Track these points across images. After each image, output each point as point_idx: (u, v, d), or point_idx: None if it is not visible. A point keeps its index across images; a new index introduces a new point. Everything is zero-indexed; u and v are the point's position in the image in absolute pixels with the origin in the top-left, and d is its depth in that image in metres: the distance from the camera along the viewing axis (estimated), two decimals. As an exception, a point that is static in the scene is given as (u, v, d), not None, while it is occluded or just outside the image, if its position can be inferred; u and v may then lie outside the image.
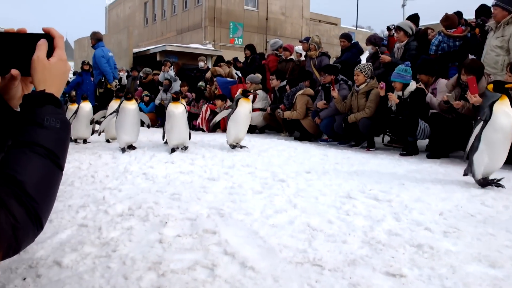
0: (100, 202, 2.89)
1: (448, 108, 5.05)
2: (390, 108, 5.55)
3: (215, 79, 9.26)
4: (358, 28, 31.48)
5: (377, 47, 6.95)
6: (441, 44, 6.10)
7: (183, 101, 5.69)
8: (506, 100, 3.38)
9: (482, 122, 3.42)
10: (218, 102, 8.22)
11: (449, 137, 5.06)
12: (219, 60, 10.63)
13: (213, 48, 20.68)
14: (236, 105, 5.36)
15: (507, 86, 3.57)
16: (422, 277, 1.83)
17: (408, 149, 5.43)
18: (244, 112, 5.34)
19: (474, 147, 3.45)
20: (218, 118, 6.01)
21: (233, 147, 5.38)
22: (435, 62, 5.91)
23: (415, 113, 5.25)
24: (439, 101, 5.23)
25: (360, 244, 2.20)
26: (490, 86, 3.48)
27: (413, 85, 5.46)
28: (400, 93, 5.47)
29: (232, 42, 22.51)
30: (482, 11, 6.52)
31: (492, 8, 5.44)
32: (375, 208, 2.82)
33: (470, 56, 5.77)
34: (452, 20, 6.09)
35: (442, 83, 5.51)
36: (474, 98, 4.52)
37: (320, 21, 26.56)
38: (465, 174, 3.65)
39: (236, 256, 2.03)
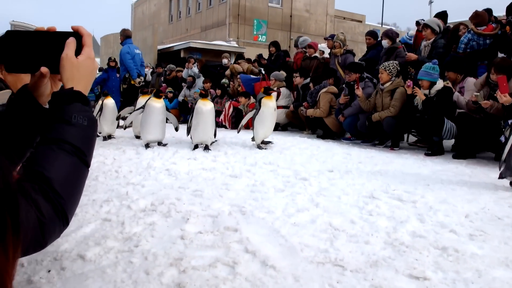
0: (124, 197, 2.93)
1: (476, 108, 4.92)
2: (416, 107, 5.45)
3: (238, 76, 9.27)
4: (383, 26, 30.98)
5: (392, 42, 6.81)
6: (470, 42, 5.95)
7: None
8: None
9: None
10: (242, 99, 8.22)
11: (476, 137, 4.94)
12: (239, 58, 10.68)
13: (236, 45, 20.71)
14: (260, 105, 5.34)
15: None
16: (446, 281, 1.79)
17: (433, 149, 5.32)
18: (269, 111, 5.34)
19: (509, 152, 3.31)
20: (244, 121, 6.01)
21: (260, 148, 5.38)
22: (464, 60, 5.77)
23: (441, 112, 5.14)
24: (466, 100, 5.10)
25: (383, 245, 2.17)
26: None
27: (440, 84, 5.35)
28: (426, 91, 5.36)
29: (255, 39, 22.48)
30: (514, 8, 6.31)
31: None
32: (399, 208, 2.77)
33: (500, 55, 5.60)
34: (482, 17, 5.93)
35: (470, 81, 5.37)
36: (504, 98, 4.39)
37: (344, 18, 26.25)
38: (502, 177, 3.51)
39: (257, 255, 2.03)
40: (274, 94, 7.07)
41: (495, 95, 4.60)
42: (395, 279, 1.79)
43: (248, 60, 10.46)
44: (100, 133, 6.18)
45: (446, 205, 2.85)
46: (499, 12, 7.28)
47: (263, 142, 5.48)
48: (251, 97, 8.24)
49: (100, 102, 6.39)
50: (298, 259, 2.01)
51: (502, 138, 4.74)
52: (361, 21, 27.06)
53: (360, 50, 15.02)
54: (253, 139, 5.60)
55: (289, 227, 2.41)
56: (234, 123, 8.14)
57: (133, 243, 2.12)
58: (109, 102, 6.22)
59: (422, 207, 2.80)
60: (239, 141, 6.07)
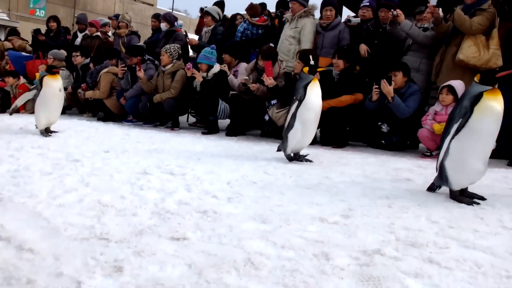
0: None
1: (246, 90, 5.49)
2: (195, 89, 5.76)
3: (6, 53, 8.14)
4: (174, 11, 31.42)
5: (170, 25, 7.04)
6: (245, 31, 6.56)
7: None
8: (317, 82, 3.75)
9: (297, 102, 3.68)
10: (9, 79, 7.23)
11: (246, 116, 5.52)
12: (12, 33, 9.40)
13: (7, 18, 18.10)
14: (41, 85, 4.76)
15: (319, 69, 3.98)
16: (203, 238, 1.98)
17: (209, 128, 5.72)
18: (52, 92, 4.74)
19: (290, 125, 3.72)
20: (19, 102, 5.29)
21: (45, 134, 4.78)
22: (240, 46, 6.33)
23: (216, 94, 5.55)
24: (238, 83, 5.64)
25: (149, 215, 2.26)
26: (306, 69, 3.82)
27: (217, 67, 5.76)
28: (204, 74, 5.71)
29: (32, 13, 20.03)
30: (281, 4, 7.20)
31: (290, 2, 6.07)
32: (169, 181, 2.92)
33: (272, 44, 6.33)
34: (256, 9, 6.58)
35: (242, 66, 5.92)
36: (269, 81, 5.04)
37: (135, 0, 25.63)
38: (279, 150, 3.93)
39: (12, 240, 1.89)
40: (65, 73, 6.48)
41: (261, 78, 5.22)
42: (157, 243, 1.90)
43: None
44: None
45: (212, 175, 3.13)
46: (271, 7, 8.21)
47: (48, 131, 4.87)
48: (21, 77, 7.34)
49: None
50: (61, 238, 1.94)
51: (266, 117, 5.43)
52: (152, 5, 26.79)
53: (149, 33, 14.92)
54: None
55: (53, 209, 2.30)
56: (1, 105, 7.12)
57: None
58: None
59: (190, 179, 3.01)
60: (4, 125, 5.36)
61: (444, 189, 2.84)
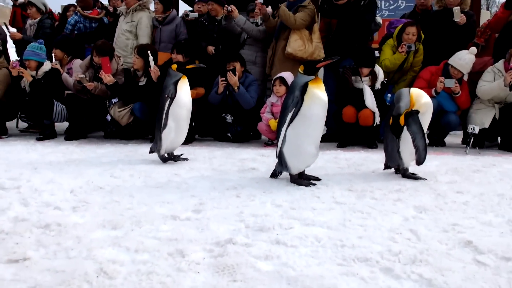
0: None
1: (82, 89, 5.16)
2: (24, 89, 5.19)
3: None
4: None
5: None
6: (77, 24, 6.14)
7: None
8: (186, 80, 3.65)
9: (169, 100, 3.55)
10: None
11: (86, 117, 5.18)
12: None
13: None
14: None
15: (188, 67, 3.78)
16: (48, 255, 1.83)
17: (45, 133, 5.21)
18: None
19: (164, 124, 3.57)
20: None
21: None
22: (73, 41, 5.91)
23: (49, 94, 5.09)
24: (73, 82, 5.26)
25: (-22, 241, 1.99)
26: (174, 66, 3.67)
27: (47, 65, 5.28)
28: (34, 73, 5.18)
29: None
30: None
31: None
32: (0, 197, 2.60)
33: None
34: (87, 1, 6.21)
35: (77, 63, 5.55)
36: (107, 78, 4.85)
37: None
38: (151, 151, 3.74)
39: None
40: None
41: (99, 75, 4.96)
42: (-10, 270, 1.69)
43: None
44: None
45: (52, 185, 2.89)
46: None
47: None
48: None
49: None
50: None
51: (108, 117, 5.19)
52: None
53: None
54: None
55: None
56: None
57: None
58: None
59: (27, 191, 2.73)
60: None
61: (285, 174, 3.10)
